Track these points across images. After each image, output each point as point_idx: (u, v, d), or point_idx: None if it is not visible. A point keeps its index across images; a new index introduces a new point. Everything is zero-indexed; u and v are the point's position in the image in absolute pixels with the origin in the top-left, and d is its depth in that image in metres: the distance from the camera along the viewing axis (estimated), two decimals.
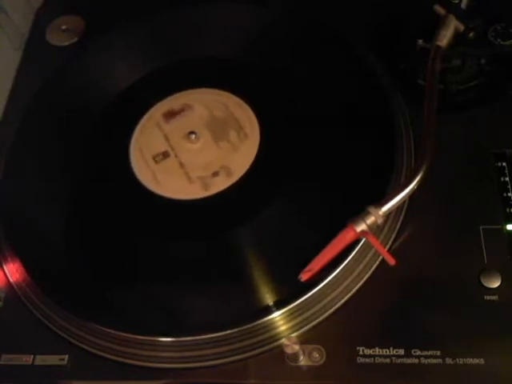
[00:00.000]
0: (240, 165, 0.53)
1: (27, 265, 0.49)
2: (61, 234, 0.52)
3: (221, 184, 0.52)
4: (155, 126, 0.57)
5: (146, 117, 0.58)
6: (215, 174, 0.53)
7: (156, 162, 0.54)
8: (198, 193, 0.52)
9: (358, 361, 0.44)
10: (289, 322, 0.45)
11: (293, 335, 0.44)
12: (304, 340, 0.44)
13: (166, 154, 0.55)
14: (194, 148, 0.55)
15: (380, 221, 0.44)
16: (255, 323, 0.44)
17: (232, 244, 0.49)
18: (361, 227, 0.44)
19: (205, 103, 0.57)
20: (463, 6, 0.53)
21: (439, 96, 0.49)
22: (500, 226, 0.47)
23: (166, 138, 0.56)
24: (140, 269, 0.49)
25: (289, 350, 0.43)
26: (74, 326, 0.47)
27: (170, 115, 0.57)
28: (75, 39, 0.65)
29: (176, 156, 0.55)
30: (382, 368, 0.43)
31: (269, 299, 0.45)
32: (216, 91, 0.58)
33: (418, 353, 0.43)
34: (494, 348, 0.43)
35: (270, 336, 0.45)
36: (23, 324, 0.48)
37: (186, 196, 0.52)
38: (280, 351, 0.44)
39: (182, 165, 0.54)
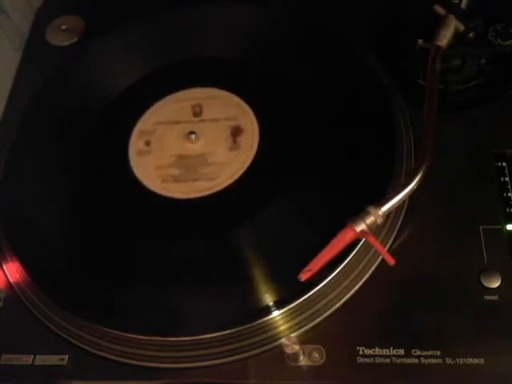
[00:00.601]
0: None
1: (27, 265, 0.49)
2: (61, 234, 0.52)
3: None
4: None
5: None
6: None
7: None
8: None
9: (358, 361, 0.44)
10: (289, 321, 0.45)
11: (293, 335, 0.44)
12: (304, 340, 0.44)
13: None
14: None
15: (380, 221, 0.44)
16: (255, 323, 0.44)
17: (232, 244, 0.49)
18: (360, 227, 0.44)
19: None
20: (463, 5, 0.53)
21: (439, 96, 0.49)
22: (500, 226, 0.47)
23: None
24: (140, 269, 0.49)
25: (289, 350, 0.43)
26: (74, 326, 0.47)
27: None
28: (75, 39, 0.65)
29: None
30: (382, 368, 0.43)
31: (269, 299, 0.45)
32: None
33: (418, 353, 0.43)
34: (494, 348, 0.43)
35: (269, 336, 0.45)
36: (23, 324, 0.48)
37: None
38: (280, 351, 0.44)
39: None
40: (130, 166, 0.55)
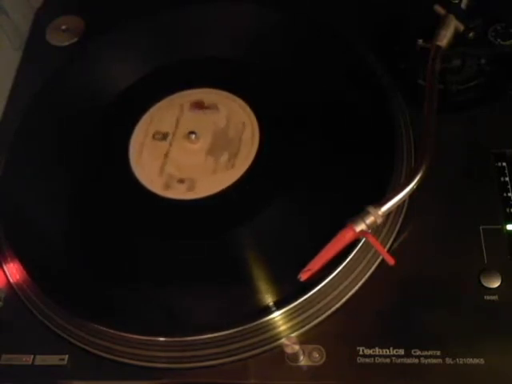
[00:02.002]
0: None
1: (27, 265, 0.49)
2: (61, 234, 0.52)
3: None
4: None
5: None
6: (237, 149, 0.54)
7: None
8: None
9: (358, 361, 0.44)
10: (289, 321, 0.45)
11: (293, 335, 0.44)
12: (304, 340, 0.44)
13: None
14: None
15: (379, 221, 0.44)
16: (255, 323, 0.44)
17: (232, 244, 0.49)
18: (360, 227, 0.44)
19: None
20: (463, 5, 0.53)
21: (439, 96, 0.49)
22: (500, 226, 0.47)
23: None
24: (140, 269, 0.49)
25: (289, 350, 0.43)
26: (74, 326, 0.47)
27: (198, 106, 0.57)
28: (75, 39, 0.65)
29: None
30: (382, 368, 0.43)
31: (269, 299, 0.45)
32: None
33: (418, 353, 0.43)
34: (494, 348, 0.43)
35: (269, 336, 0.45)
36: (23, 324, 0.48)
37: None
38: (280, 351, 0.44)
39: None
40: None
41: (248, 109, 0.56)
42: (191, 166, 0.54)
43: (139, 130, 0.57)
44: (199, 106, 0.57)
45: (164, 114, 0.58)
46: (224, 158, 0.54)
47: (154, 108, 0.58)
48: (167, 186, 0.53)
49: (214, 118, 0.56)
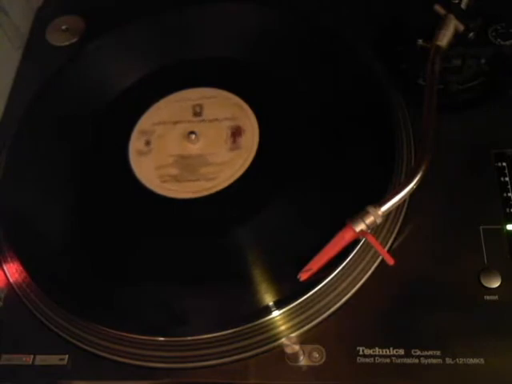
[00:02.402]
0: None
1: (27, 265, 0.49)
2: (61, 234, 0.52)
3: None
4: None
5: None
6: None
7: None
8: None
9: (358, 361, 0.44)
10: (289, 321, 0.45)
11: (293, 335, 0.44)
12: (304, 340, 0.44)
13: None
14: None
15: (379, 220, 0.44)
16: (255, 323, 0.44)
17: (232, 244, 0.49)
18: (360, 227, 0.44)
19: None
20: (463, 5, 0.53)
21: (439, 96, 0.49)
22: (500, 226, 0.47)
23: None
24: (140, 269, 0.49)
25: (289, 350, 0.43)
26: (74, 325, 0.47)
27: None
28: (75, 39, 0.65)
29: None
30: (382, 368, 0.43)
31: (269, 299, 0.45)
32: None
33: (418, 353, 0.43)
34: (494, 348, 0.43)
35: (270, 336, 0.45)
36: (23, 324, 0.48)
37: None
38: (280, 351, 0.44)
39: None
40: (130, 166, 0.55)
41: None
42: (164, 146, 0.55)
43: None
44: (235, 134, 0.55)
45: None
46: (172, 171, 0.54)
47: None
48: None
49: (219, 150, 0.55)
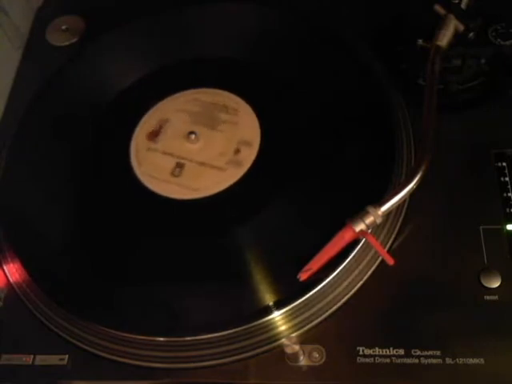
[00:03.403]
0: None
1: (27, 265, 0.49)
2: (61, 234, 0.52)
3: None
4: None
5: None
6: (237, 150, 0.54)
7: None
8: (229, 178, 0.52)
9: (358, 361, 0.44)
10: (289, 321, 0.45)
11: (293, 335, 0.44)
12: (304, 340, 0.44)
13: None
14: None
15: (379, 220, 0.44)
16: (255, 323, 0.44)
17: (232, 244, 0.49)
18: (359, 227, 0.44)
19: (178, 108, 0.58)
20: (463, 5, 0.53)
21: (439, 96, 0.49)
22: (500, 226, 0.47)
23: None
24: (140, 269, 0.49)
25: (289, 350, 0.43)
26: (74, 325, 0.47)
27: (153, 135, 0.56)
28: (75, 39, 0.65)
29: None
30: (382, 368, 0.43)
31: (269, 299, 0.45)
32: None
33: (418, 353, 0.43)
34: (494, 348, 0.43)
35: (270, 336, 0.45)
36: (23, 324, 0.48)
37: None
38: (280, 351, 0.44)
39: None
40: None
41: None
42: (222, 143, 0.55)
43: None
44: (153, 134, 0.56)
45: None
46: (223, 116, 0.55)
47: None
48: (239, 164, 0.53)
49: (176, 124, 0.56)
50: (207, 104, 0.57)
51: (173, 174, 0.54)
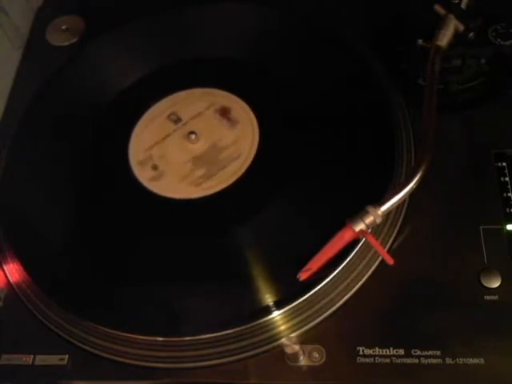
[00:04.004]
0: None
1: (27, 265, 0.49)
2: (61, 234, 0.52)
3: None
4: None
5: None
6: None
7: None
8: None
9: (358, 361, 0.44)
10: (289, 321, 0.45)
11: (293, 335, 0.44)
12: (304, 340, 0.44)
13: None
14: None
15: (379, 220, 0.44)
16: (255, 323, 0.44)
17: (232, 244, 0.49)
18: (359, 227, 0.44)
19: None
20: (463, 5, 0.53)
21: (439, 96, 0.49)
22: (500, 226, 0.47)
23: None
24: (139, 269, 0.49)
25: (289, 350, 0.43)
26: (74, 325, 0.47)
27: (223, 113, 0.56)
28: (75, 39, 0.65)
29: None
30: (382, 368, 0.43)
31: (269, 299, 0.45)
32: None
33: (418, 353, 0.43)
34: (494, 348, 0.43)
35: (269, 336, 0.45)
36: (23, 324, 0.48)
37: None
38: (280, 351, 0.44)
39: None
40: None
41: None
42: (172, 160, 0.55)
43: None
44: (224, 112, 0.56)
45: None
46: (199, 173, 0.53)
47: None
48: (199, 184, 0.53)
49: (223, 133, 0.56)
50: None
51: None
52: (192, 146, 0.55)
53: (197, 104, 0.57)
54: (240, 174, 0.53)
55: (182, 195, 0.52)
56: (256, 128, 0.55)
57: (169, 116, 0.57)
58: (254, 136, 0.55)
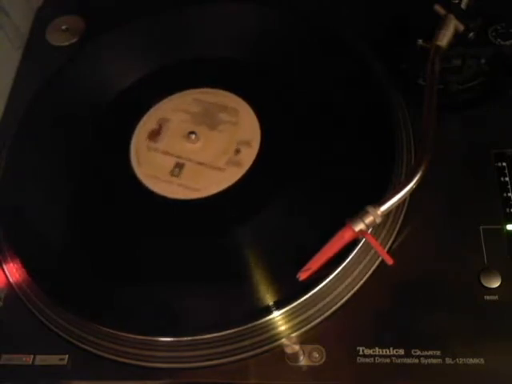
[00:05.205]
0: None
1: (27, 265, 0.49)
2: (61, 234, 0.52)
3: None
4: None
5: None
6: (237, 151, 0.54)
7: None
8: (229, 178, 0.52)
9: (358, 361, 0.44)
10: (289, 321, 0.45)
11: (293, 335, 0.44)
12: (304, 340, 0.44)
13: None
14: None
15: (378, 220, 0.44)
16: (255, 323, 0.44)
17: (232, 244, 0.49)
18: (359, 226, 0.44)
19: (178, 108, 0.58)
20: (463, 5, 0.53)
21: (439, 96, 0.49)
22: (500, 226, 0.47)
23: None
24: (139, 269, 0.49)
25: (289, 350, 0.43)
26: (74, 325, 0.47)
27: (154, 135, 0.56)
28: (75, 39, 0.65)
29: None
30: (382, 368, 0.43)
31: (269, 299, 0.45)
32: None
33: (418, 353, 0.43)
34: (494, 348, 0.43)
35: (269, 336, 0.45)
36: (23, 324, 0.48)
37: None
38: (280, 351, 0.44)
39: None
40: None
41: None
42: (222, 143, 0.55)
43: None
44: (154, 134, 0.56)
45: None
46: (223, 116, 0.55)
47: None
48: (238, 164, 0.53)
49: (175, 124, 0.56)
50: (207, 104, 0.57)
51: (173, 173, 0.54)
52: (194, 146, 0.55)
53: (170, 111, 0.58)
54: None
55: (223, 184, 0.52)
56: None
57: (154, 134, 0.57)
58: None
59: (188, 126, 0.56)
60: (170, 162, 0.55)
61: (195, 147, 0.55)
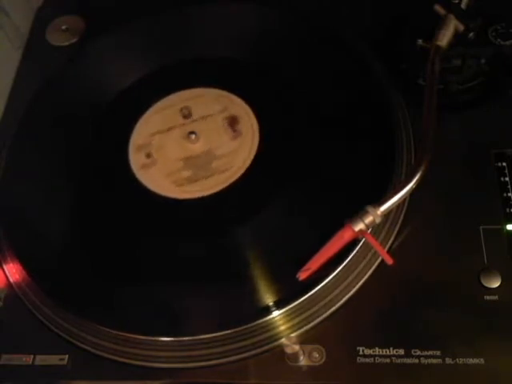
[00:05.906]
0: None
1: (27, 265, 0.49)
2: (61, 234, 0.52)
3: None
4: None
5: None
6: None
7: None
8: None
9: (358, 361, 0.44)
10: (289, 321, 0.45)
11: (293, 335, 0.44)
12: (304, 340, 0.44)
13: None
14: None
15: (378, 220, 0.44)
16: (255, 323, 0.44)
17: (232, 244, 0.49)
18: (359, 226, 0.44)
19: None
20: (463, 5, 0.53)
21: (439, 96, 0.49)
22: (500, 226, 0.47)
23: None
24: (139, 269, 0.49)
25: (289, 350, 0.43)
26: (74, 326, 0.47)
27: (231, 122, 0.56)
28: (75, 39, 0.65)
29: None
30: (381, 368, 0.43)
31: (269, 299, 0.45)
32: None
33: (418, 353, 0.43)
34: (494, 348, 0.43)
35: (270, 336, 0.45)
36: (23, 324, 0.48)
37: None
38: (280, 351, 0.44)
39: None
40: (129, 166, 0.55)
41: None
42: (167, 154, 0.55)
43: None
44: (232, 122, 0.56)
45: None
46: (185, 174, 0.54)
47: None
48: (180, 185, 0.53)
49: (223, 141, 0.55)
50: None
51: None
52: (190, 146, 0.55)
53: (211, 105, 0.57)
54: (240, 174, 0.53)
55: (165, 191, 0.53)
56: (256, 128, 0.55)
57: (181, 109, 0.57)
58: (254, 135, 0.55)
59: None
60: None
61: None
